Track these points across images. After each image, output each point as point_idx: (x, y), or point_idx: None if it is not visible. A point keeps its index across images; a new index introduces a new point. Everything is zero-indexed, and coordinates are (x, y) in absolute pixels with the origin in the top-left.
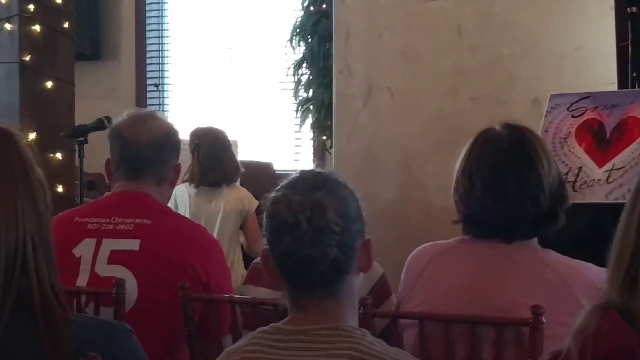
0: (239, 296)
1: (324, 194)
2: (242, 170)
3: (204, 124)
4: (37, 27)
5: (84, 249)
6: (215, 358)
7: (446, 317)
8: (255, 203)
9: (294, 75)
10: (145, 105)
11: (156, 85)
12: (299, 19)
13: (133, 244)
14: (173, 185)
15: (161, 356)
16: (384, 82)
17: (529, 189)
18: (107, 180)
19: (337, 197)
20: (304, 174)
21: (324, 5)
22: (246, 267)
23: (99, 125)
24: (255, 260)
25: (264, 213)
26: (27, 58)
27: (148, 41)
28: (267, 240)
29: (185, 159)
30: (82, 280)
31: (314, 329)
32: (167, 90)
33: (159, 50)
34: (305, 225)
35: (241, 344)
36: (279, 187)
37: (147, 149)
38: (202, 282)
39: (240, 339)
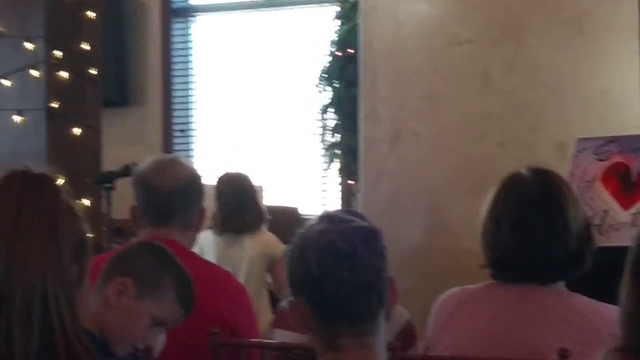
0: (268, 340)
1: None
2: (268, 217)
3: (230, 169)
4: (64, 74)
5: None
6: None
7: None
8: (282, 247)
9: (320, 119)
10: (171, 151)
11: (182, 130)
12: (327, 64)
13: None
14: (198, 229)
15: None
16: (410, 127)
17: (557, 231)
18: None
19: None
20: (329, 212)
21: (351, 50)
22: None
23: (126, 171)
24: (281, 304)
25: (303, 250)
26: (54, 104)
27: (174, 86)
28: (313, 276)
29: (211, 204)
30: None
31: None
32: (193, 136)
33: (185, 96)
34: (362, 248)
35: None
36: (311, 223)
37: (172, 195)
38: (229, 327)
39: None
